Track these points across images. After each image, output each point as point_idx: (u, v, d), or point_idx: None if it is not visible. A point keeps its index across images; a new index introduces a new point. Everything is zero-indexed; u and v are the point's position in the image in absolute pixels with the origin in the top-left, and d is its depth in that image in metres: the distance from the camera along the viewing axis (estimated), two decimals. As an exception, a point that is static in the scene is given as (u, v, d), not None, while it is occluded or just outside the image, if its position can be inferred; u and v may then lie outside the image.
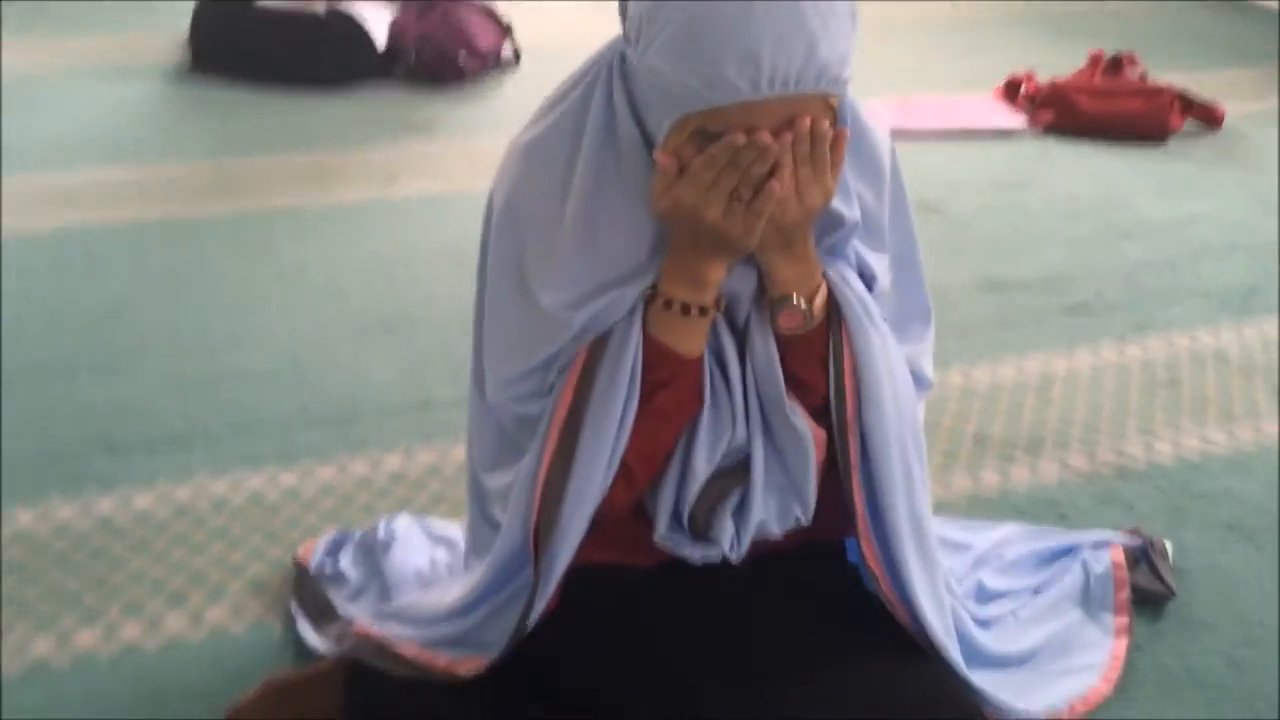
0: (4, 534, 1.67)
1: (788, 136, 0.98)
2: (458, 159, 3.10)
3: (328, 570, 1.57)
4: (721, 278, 1.09)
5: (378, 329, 2.25)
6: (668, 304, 1.08)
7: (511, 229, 1.14)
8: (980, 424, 1.96)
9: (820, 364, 1.15)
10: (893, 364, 1.17)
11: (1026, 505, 1.76)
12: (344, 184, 2.93)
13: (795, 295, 1.10)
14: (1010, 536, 1.65)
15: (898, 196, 1.22)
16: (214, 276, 2.46)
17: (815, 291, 1.11)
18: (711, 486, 1.17)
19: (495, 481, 1.24)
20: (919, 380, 1.26)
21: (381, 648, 1.29)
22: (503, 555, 1.20)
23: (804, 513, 1.19)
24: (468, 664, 1.23)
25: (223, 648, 1.48)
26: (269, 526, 1.69)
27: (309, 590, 1.53)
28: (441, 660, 1.25)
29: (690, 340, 1.11)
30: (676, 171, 1.01)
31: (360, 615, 1.46)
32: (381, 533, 1.60)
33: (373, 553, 1.58)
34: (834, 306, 1.14)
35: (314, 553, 1.59)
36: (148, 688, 1.42)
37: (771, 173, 1.00)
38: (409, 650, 1.27)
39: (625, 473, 1.13)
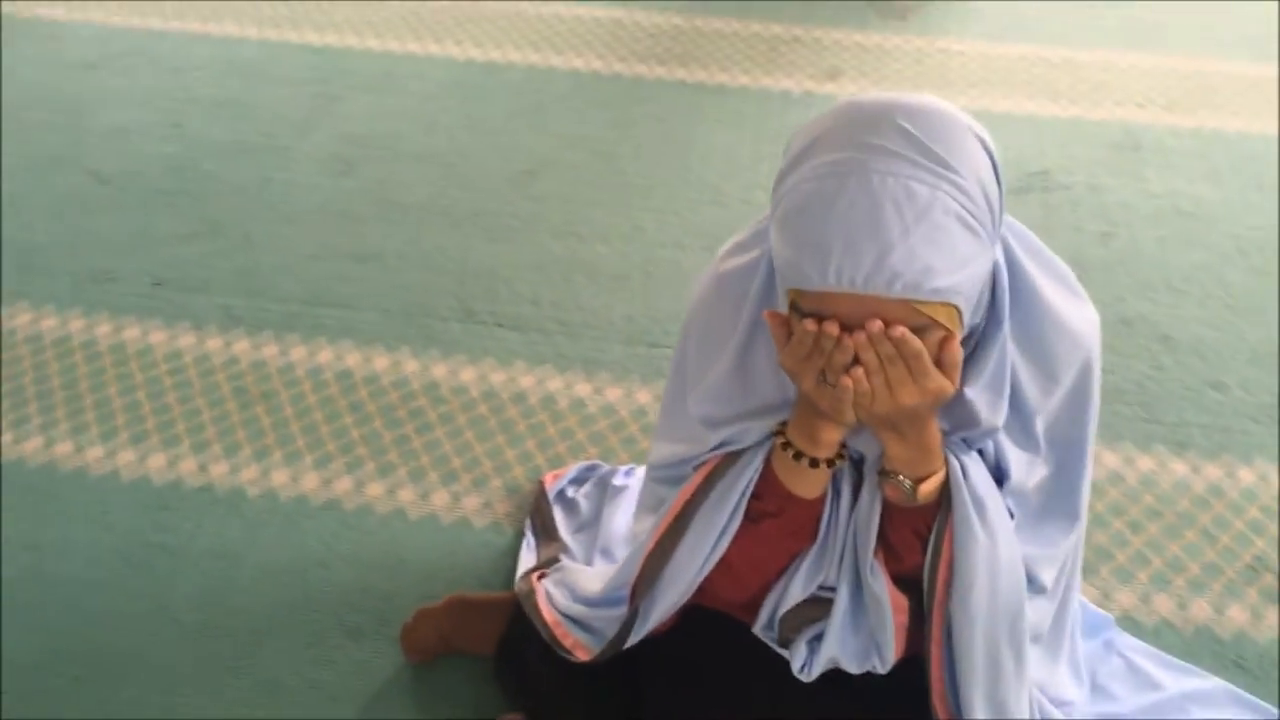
0: (359, 375, 2.08)
1: (861, 335, 0.99)
2: (921, 65, 3.04)
3: (568, 494, 1.82)
4: (835, 439, 1.14)
5: (735, 247, 2.38)
6: (785, 446, 1.17)
7: (690, 340, 1.25)
8: (1267, 547, 1.80)
9: (918, 540, 1.19)
10: (998, 567, 1.18)
11: (1255, 661, 1.64)
12: (785, 68, 3.00)
13: (899, 475, 1.14)
14: (1208, 694, 1.56)
15: (1078, 404, 1.19)
16: (627, 150, 2.69)
17: (927, 476, 1.14)
18: (803, 609, 1.27)
19: (635, 525, 1.41)
20: (1032, 582, 1.24)
21: (536, 605, 1.53)
22: (614, 587, 1.38)
23: (881, 665, 1.26)
24: (582, 652, 1.44)
25: (461, 537, 1.79)
26: (544, 433, 1.97)
27: (543, 510, 1.79)
28: (568, 640, 1.46)
29: (803, 484, 1.18)
30: (785, 335, 1.06)
31: (575, 548, 1.71)
32: (619, 479, 1.82)
33: (604, 494, 1.81)
34: (946, 496, 1.16)
35: (560, 479, 1.84)
36: (397, 550, 1.77)
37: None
38: (549, 616, 1.50)
39: (731, 573, 1.26)
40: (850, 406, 1.04)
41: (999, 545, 1.17)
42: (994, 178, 1.01)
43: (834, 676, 1.30)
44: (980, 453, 1.18)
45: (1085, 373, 1.17)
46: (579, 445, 1.95)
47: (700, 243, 2.40)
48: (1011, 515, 1.20)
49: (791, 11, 3.24)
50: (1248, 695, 1.55)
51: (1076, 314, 1.16)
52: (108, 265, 2.33)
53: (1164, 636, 1.67)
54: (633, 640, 1.35)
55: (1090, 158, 2.66)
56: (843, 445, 1.17)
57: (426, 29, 3.18)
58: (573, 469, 1.86)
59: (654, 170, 2.62)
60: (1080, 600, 1.64)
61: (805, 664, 1.28)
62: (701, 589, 1.31)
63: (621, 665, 1.40)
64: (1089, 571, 1.76)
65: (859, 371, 1.01)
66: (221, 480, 1.89)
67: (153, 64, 2.98)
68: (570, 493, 1.82)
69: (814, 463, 1.15)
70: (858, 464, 1.21)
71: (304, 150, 2.66)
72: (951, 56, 3.05)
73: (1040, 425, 1.18)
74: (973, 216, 0.97)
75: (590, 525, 1.77)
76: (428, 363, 2.10)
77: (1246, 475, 1.91)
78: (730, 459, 1.21)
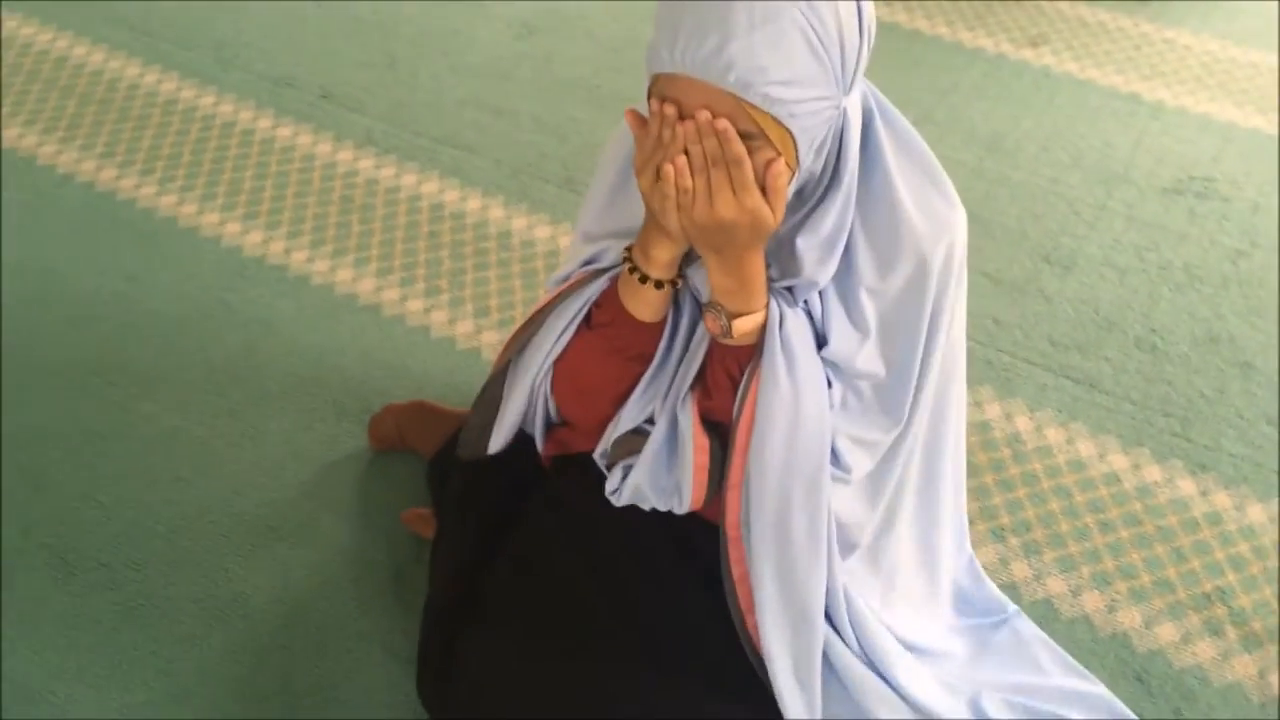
0: (449, 209, 2.27)
1: (690, 123, 1.04)
2: (1137, 50, 2.89)
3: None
4: (666, 259, 1.18)
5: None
6: (625, 260, 1.23)
7: (601, 156, 1.33)
8: (1238, 585, 1.70)
9: (730, 381, 1.23)
10: (798, 421, 1.20)
11: (1159, 681, 1.57)
12: (989, 27, 2.93)
13: (719, 306, 1.18)
14: (1085, 696, 1.51)
15: (912, 299, 1.20)
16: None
17: (745, 314, 1.17)
18: (630, 438, 1.33)
19: None
20: (838, 459, 1.26)
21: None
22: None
23: (679, 505, 1.32)
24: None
25: (467, 362, 1.97)
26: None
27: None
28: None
29: (635, 301, 1.23)
30: (642, 135, 1.10)
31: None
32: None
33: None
34: (761, 343, 1.19)
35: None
36: (407, 358, 1.96)
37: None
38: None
39: (569, 381, 1.34)
40: (673, 206, 1.08)
41: (803, 400, 1.19)
42: (856, 24, 1.05)
43: (682, 527, 1.36)
44: (811, 317, 1.21)
45: (921, 269, 1.17)
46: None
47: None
48: (830, 384, 1.23)
49: (1026, -26, 3.14)
50: (1128, 712, 1.50)
51: (928, 208, 1.17)
52: (292, 73, 2.62)
53: (1076, 630, 1.63)
54: (494, 442, 1.44)
55: (1267, 177, 2.47)
56: (680, 276, 1.21)
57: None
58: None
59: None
60: (978, 574, 1.62)
61: (616, 489, 1.34)
62: (569, 426, 1.41)
63: (514, 498, 1.52)
64: (1031, 550, 1.73)
65: (681, 160, 1.06)
66: (296, 265, 2.13)
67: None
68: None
69: (644, 279, 1.20)
70: (700, 305, 1.25)
71: (497, 11, 2.86)
72: (1174, 48, 2.88)
73: (872, 306, 1.20)
74: (820, 42, 1.01)
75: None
76: (512, 213, 2.27)
77: (1256, 512, 1.80)
78: (591, 275, 1.28)
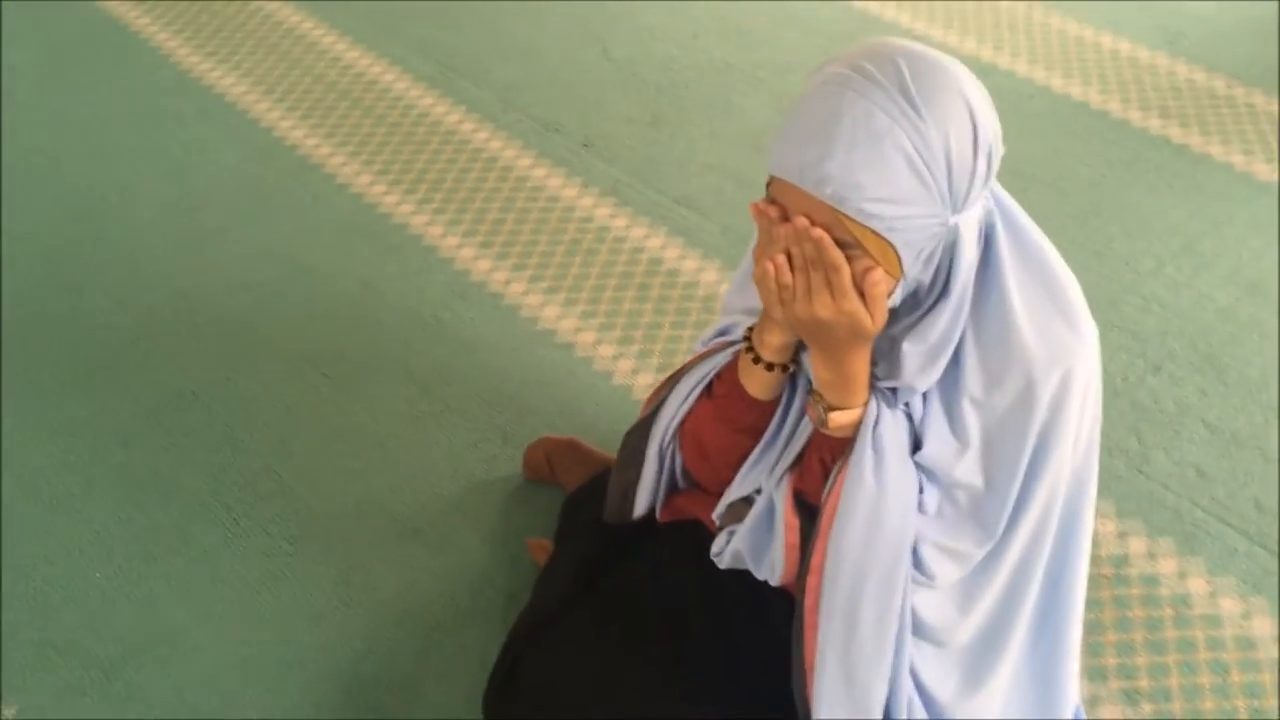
0: (666, 266, 2.35)
1: (788, 226, 1.07)
2: None
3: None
4: (778, 344, 1.22)
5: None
6: (745, 338, 1.28)
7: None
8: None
9: (822, 469, 1.26)
10: (879, 519, 1.20)
11: None
12: (1225, 138, 2.71)
13: (819, 397, 1.21)
14: None
15: (1018, 419, 1.18)
16: (1047, 178, 2.63)
17: (843, 408, 1.20)
18: (741, 506, 1.38)
19: None
20: (919, 564, 1.25)
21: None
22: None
23: (773, 578, 1.35)
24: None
25: (621, 396, 2.03)
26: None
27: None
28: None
29: (749, 379, 1.27)
30: (759, 221, 1.14)
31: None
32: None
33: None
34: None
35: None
36: (584, 398, 2.05)
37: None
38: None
39: (691, 446, 1.38)
40: (775, 299, 1.12)
41: (886, 501, 1.20)
42: (970, 147, 1.05)
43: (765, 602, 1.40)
44: (911, 420, 1.21)
45: (1029, 392, 1.15)
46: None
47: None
48: (924, 489, 1.22)
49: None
50: None
51: (1047, 331, 1.15)
52: (563, 120, 2.79)
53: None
54: (639, 504, 1.49)
55: None
56: (795, 361, 1.25)
57: (943, 13, 3.25)
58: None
59: (1057, 204, 2.56)
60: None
61: (720, 552, 1.40)
62: (687, 494, 1.46)
63: (623, 547, 1.57)
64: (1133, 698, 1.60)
65: (781, 259, 1.09)
66: (511, 295, 2.28)
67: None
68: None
69: (757, 359, 1.24)
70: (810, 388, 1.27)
71: (773, 85, 2.93)
72: None
73: (975, 418, 1.18)
74: (924, 164, 1.03)
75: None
76: (724, 279, 2.32)
77: None
78: (722, 346, 1.34)
